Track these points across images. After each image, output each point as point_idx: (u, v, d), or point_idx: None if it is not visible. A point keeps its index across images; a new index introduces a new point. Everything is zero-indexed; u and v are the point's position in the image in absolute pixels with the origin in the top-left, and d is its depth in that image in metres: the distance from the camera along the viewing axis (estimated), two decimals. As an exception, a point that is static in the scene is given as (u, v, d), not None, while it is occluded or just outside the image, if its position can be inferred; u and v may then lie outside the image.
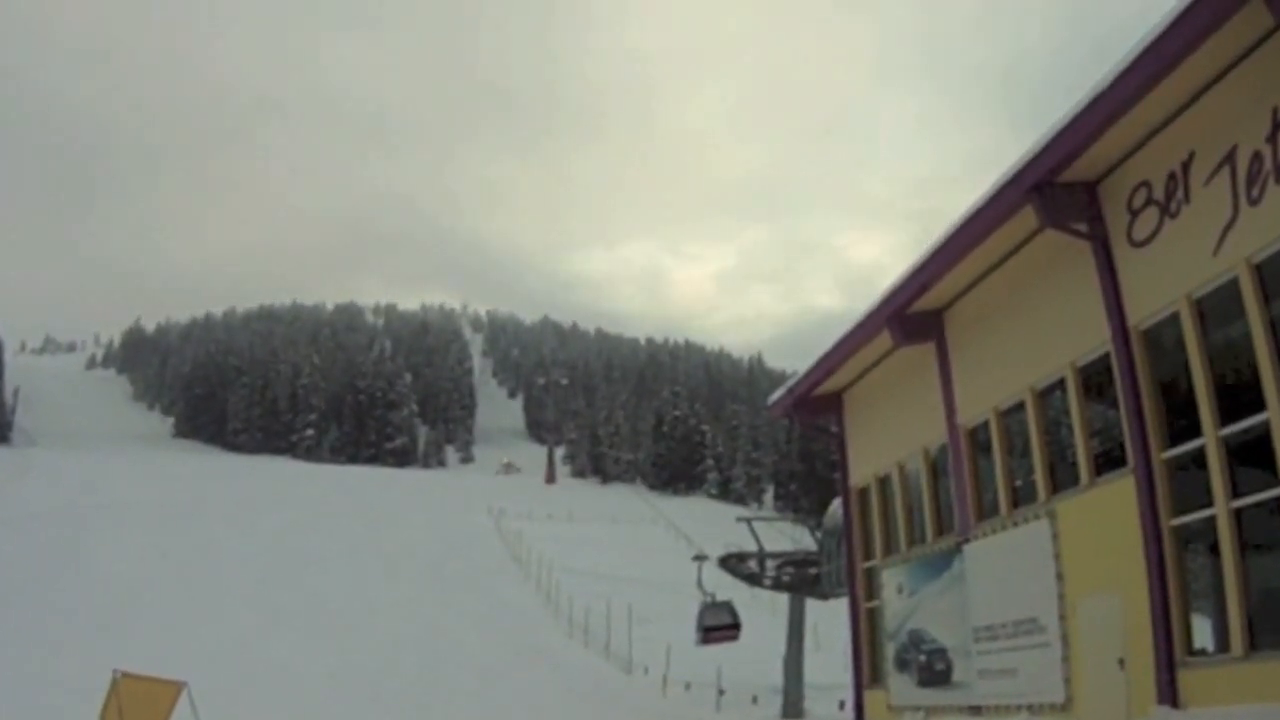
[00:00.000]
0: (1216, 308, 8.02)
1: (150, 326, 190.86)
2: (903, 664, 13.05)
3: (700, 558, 23.48)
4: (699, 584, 22.17)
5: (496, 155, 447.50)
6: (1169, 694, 8.07)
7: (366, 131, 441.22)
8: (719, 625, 20.88)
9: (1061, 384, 10.12)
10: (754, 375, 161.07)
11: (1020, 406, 10.81)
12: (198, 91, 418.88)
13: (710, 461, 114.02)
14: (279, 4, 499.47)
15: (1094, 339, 9.34)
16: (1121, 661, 8.77)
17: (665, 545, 65.64)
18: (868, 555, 14.86)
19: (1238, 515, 7.70)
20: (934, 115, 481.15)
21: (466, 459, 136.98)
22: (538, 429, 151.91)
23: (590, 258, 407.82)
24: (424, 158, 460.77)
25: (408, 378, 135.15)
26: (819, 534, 22.79)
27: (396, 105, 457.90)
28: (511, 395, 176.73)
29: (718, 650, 22.92)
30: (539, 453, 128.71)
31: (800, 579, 24.09)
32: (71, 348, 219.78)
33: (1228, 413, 7.84)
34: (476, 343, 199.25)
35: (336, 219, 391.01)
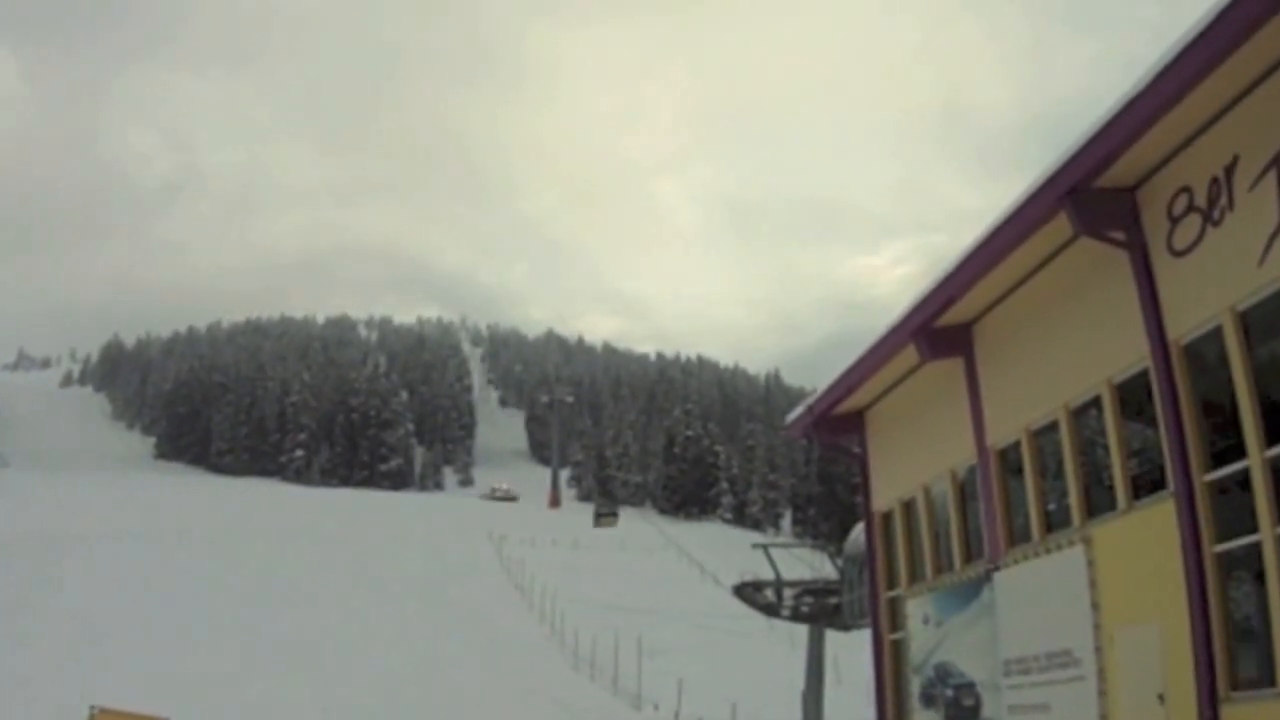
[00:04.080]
0: (1262, 320, 7.99)
1: (130, 341, 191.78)
2: (929, 699, 13.01)
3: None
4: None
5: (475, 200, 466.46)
6: (1212, 731, 8.05)
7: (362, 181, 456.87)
8: (605, 513, 35.31)
9: (1097, 402, 10.09)
10: (771, 393, 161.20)
11: (1053, 426, 10.79)
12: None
13: (724, 484, 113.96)
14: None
15: (1132, 354, 9.33)
16: (1161, 696, 8.73)
17: (677, 573, 65.58)
18: (891, 584, 14.84)
19: (1285, 541, 7.68)
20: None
21: (466, 481, 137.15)
22: (541, 450, 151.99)
23: (591, 278, 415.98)
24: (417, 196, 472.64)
25: (403, 395, 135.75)
26: (840, 561, 22.75)
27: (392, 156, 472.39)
28: (512, 413, 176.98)
29: (733, 686, 23.53)
30: (542, 475, 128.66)
31: (820, 609, 24.04)
32: (46, 364, 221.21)
33: (1274, 432, 7.82)
34: (476, 358, 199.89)
35: (333, 230, 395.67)
